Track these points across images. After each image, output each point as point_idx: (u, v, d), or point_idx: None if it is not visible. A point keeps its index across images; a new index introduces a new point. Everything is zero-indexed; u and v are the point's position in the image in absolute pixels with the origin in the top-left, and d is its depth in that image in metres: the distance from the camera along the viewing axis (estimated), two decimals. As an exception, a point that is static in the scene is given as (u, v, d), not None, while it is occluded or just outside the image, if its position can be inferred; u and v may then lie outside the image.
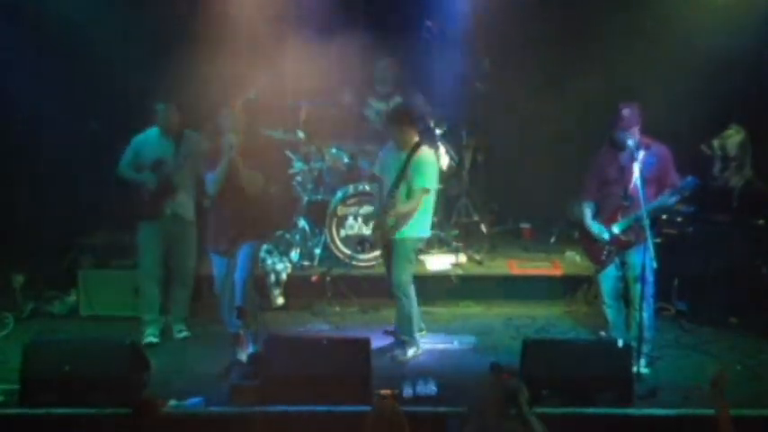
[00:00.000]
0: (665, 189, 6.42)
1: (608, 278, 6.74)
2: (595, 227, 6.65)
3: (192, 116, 7.33)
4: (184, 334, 7.39)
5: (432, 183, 6.90)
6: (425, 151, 6.93)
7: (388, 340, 7.15)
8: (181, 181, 7.21)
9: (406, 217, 6.81)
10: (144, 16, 8.53)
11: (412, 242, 6.91)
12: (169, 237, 7.29)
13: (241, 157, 6.45)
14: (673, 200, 6.46)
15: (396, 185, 6.83)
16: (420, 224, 6.92)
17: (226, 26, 8.45)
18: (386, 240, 6.99)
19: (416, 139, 6.92)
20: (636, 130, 6.47)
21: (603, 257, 6.67)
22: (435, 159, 7.07)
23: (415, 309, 6.97)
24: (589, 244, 6.78)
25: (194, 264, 7.39)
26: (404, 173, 6.80)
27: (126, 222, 7.51)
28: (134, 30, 8.57)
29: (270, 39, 8.63)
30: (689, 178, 6.34)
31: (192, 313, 7.63)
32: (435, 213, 8.03)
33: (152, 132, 7.30)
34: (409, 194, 6.80)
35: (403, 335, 6.96)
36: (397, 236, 6.85)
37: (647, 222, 6.20)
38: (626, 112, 6.45)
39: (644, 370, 6.45)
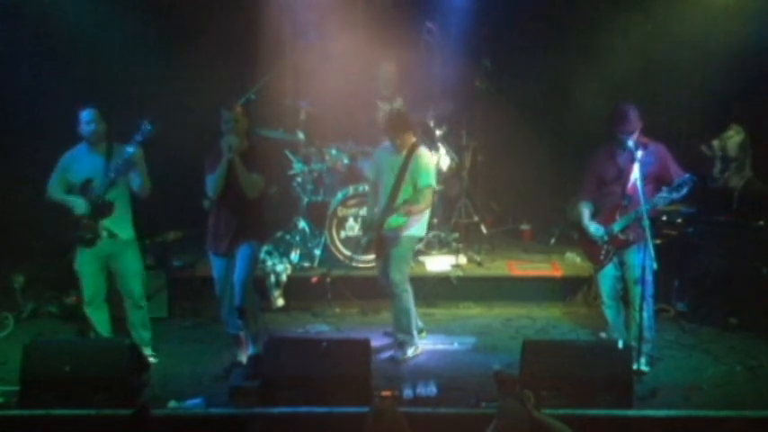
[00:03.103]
0: (664, 186, 6.42)
1: (607, 278, 6.74)
2: (593, 227, 6.65)
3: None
4: (151, 360, 6.79)
5: (435, 181, 6.96)
6: (424, 151, 6.95)
7: (388, 341, 7.15)
8: (115, 198, 6.68)
9: (416, 216, 6.83)
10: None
11: (410, 241, 6.92)
12: (109, 259, 6.78)
13: (241, 158, 6.45)
14: (670, 198, 6.42)
15: (396, 186, 6.83)
16: (419, 223, 6.94)
17: (227, 29, 8.49)
18: (381, 239, 6.95)
19: (414, 140, 6.95)
20: (637, 132, 6.47)
21: (602, 257, 6.67)
22: (432, 158, 7.05)
23: (413, 305, 6.96)
24: (587, 244, 6.78)
25: (142, 283, 6.92)
26: (403, 173, 6.82)
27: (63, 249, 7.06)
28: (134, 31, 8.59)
29: (271, 40, 8.65)
30: (686, 176, 6.34)
31: (193, 314, 7.64)
32: (435, 215, 8.06)
33: (81, 148, 6.75)
34: (416, 194, 6.81)
35: (400, 332, 6.95)
36: (396, 234, 6.85)
37: (647, 223, 6.19)
38: (631, 114, 6.43)
39: (644, 368, 6.47)
